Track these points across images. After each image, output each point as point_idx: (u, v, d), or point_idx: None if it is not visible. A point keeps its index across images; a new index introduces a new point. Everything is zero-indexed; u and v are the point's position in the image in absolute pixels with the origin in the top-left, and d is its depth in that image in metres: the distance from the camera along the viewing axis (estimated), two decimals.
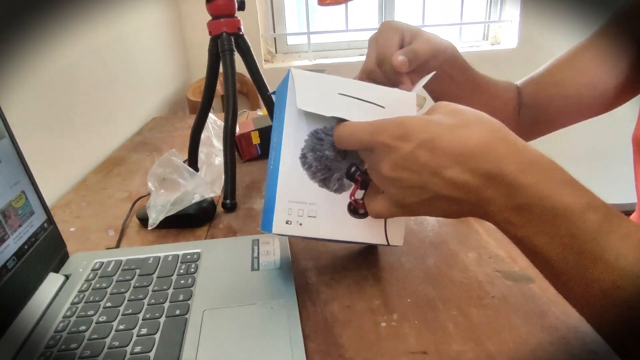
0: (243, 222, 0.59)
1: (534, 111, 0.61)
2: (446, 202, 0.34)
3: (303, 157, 0.41)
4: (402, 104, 0.39)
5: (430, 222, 0.55)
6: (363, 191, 0.42)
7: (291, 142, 0.41)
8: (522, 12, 1.85)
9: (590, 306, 0.31)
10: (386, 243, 0.44)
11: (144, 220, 0.58)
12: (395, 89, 0.41)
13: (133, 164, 0.83)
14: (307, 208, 0.41)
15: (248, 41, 0.67)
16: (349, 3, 1.77)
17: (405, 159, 0.33)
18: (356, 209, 0.42)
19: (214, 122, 0.80)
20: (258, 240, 0.51)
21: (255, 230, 0.57)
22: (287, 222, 0.41)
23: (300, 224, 0.41)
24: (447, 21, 2.02)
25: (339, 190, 0.42)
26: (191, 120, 0.73)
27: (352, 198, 0.42)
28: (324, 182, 0.42)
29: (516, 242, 0.34)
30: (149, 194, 0.66)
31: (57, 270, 0.47)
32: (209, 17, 0.65)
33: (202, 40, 1.43)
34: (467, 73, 0.56)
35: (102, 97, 0.92)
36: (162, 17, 1.43)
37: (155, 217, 0.55)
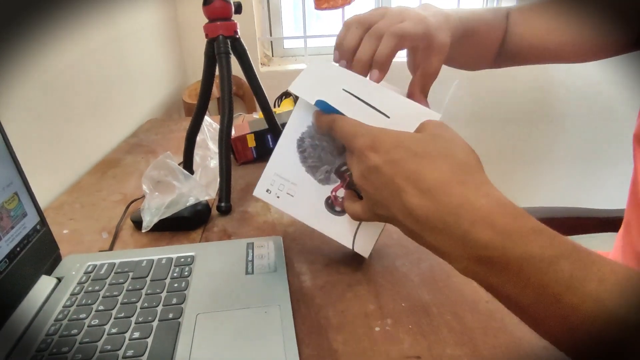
0: (238, 225, 0.59)
1: (517, 40, 0.60)
2: (407, 230, 0.34)
3: (301, 140, 0.44)
4: (417, 120, 0.36)
5: None
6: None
7: (295, 124, 0.43)
8: None
9: (575, 350, 0.29)
10: (351, 247, 0.45)
11: (138, 223, 0.57)
12: (424, 107, 0.39)
13: (128, 166, 0.83)
14: (288, 185, 0.45)
15: (244, 44, 0.67)
16: (345, 7, 1.77)
17: (370, 171, 0.34)
18: (333, 205, 0.45)
19: (210, 124, 0.80)
20: (253, 243, 0.51)
21: (250, 233, 0.57)
22: (267, 191, 0.46)
23: (278, 197, 0.45)
24: None
25: (324, 181, 0.44)
26: (187, 123, 0.73)
27: (333, 194, 0.44)
28: (312, 170, 0.44)
29: (486, 288, 0.32)
30: (143, 197, 0.66)
31: (49, 273, 0.46)
32: (206, 20, 0.64)
33: (198, 43, 1.43)
34: (467, 33, 0.51)
35: (97, 98, 0.92)
36: (158, 19, 1.43)
37: (149, 220, 0.55)
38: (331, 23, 1.91)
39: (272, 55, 1.96)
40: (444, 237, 0.31)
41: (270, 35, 1.91)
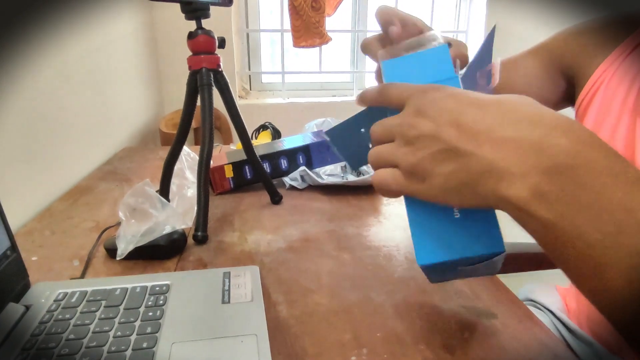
0: (214, 255, 0.59)
1: None
2: (455, 162, 0.29)
3: None
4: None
5: (399, 259, 0.57)
6: None
7: None
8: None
9: (624, 302, 0.24)
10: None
11: (111, 251, 0.57)
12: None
13: (101, 194, 0.82)
14: None
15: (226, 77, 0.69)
16: (322, 46, 1.84)
17: (431, 102, 0.31)
18: None
19: (188, 154, 0.80)
20: (229, 273, 0.51)
21: (226, 263, 0.57)
22: None
23: None
24: None
25: None
26: (163, 152, 0.73)
27: None
28: None
29: (544, 230, 0.26)
30: (117, 224, 0.65)
31: (17, 300, 0.45)
32: (186, 52, 0.66)
33: (177, 73, 1.44)
34: None
35: (71, 123, 0.91)
36: (138, 48, 1.45)
37: (124, 248, 0.54)
38: (308, 60, 1.97)
39: (250, 89, 1.99)
40: (510, 147, 0.27)
41: (249, 69, 1.95)
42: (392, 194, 0.34)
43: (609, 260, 0.24)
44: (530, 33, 1.87)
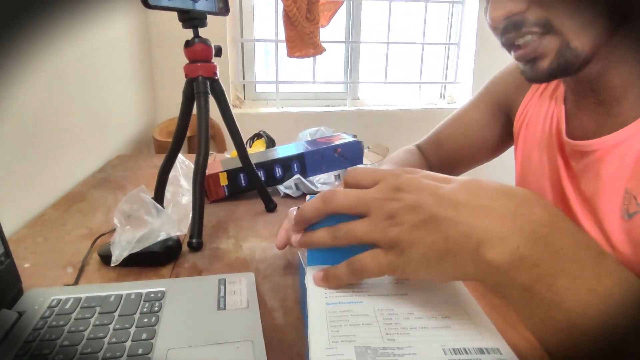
0: (209, 262, 0.58)
1: (437, 161, 0.78)
2: (436, 230, 0.30)
3: None
4: None
5: None
6: None
7: None
8: (475, 75, 2.01)
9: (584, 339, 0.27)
10: None
11: (105, 258, 0.56)
12: None
13: (95, 201, 0.81)
14: None
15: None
16: (316, 57, 1.86)
17: (408, 180, 0.33)
18: None
19: (182, 162, 0.80)
20: (224, 279, 0.51)
21: (221, 270, 0.57)
22: None
23: None
24: (408, 80, 2.15)
25: None
26: (157, 160, 0.73)
27: None
28: None
29: (522, 295, 0.28)
30: (110, 231, 0.65)
31: (10, 307, 0.45)
32: (180, 59, 0.66)
33: (171, 81, 1.44)
34: None
35: (65, 130, 0.91)
36: (132, 58, 1.45)
37: (119, 254, 0.54)
38: (303, 70, 1.99)
39: (244, 98, 2.00)
40: (488, 214, 0.28)
41: (243, 78, 1.96)
42: (371, 276, 0.34)
43: (582, 326, 0.26)
44: None
